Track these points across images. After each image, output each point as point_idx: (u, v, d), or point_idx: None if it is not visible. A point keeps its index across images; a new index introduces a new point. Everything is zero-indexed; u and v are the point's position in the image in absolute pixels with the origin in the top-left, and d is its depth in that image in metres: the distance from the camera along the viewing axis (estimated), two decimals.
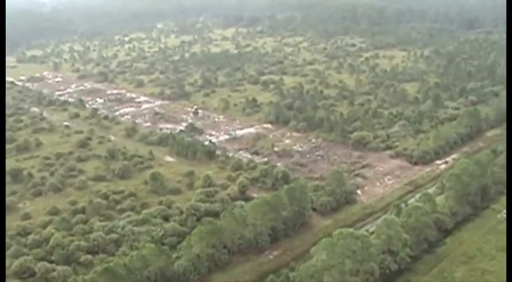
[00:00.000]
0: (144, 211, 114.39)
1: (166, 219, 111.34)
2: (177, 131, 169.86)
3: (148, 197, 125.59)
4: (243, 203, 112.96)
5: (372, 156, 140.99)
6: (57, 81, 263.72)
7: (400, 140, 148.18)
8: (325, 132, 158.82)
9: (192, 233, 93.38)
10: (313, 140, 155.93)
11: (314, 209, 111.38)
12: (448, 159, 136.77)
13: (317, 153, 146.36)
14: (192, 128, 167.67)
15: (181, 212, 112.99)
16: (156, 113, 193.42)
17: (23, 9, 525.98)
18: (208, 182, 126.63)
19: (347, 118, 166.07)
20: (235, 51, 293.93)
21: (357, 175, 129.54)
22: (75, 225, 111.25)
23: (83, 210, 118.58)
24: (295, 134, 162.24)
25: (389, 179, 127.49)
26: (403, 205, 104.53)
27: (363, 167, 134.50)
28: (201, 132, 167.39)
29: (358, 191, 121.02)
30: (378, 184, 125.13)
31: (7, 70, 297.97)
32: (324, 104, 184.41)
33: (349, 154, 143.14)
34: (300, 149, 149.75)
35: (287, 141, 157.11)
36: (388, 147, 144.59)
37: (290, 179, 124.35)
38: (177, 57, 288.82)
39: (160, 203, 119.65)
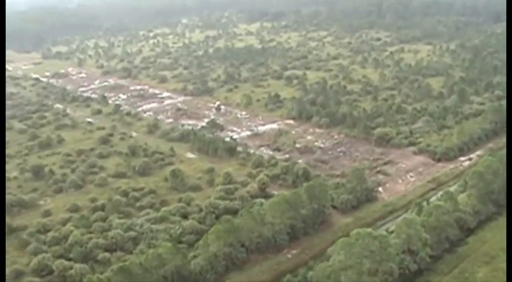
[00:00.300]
0: (163, 208, 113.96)
1: (185, 216, 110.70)
2: (199, 127, 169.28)
3: (168, 194, 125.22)
4: (262, 200, 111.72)
5: (394, 152, 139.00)
6: (81, 77, 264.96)
7: (423, 136, 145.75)
8: (347, 128, 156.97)
9: (209, 232, 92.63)
10: (336, 136, 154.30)
11: (334, 207, 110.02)
12: (472, 155, 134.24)
13: (339, 149, 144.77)
14: (213, 124, 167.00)
15: (201, 210, 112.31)
16: (179, 109, 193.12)
17: (50, 6, 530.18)
18: (228, 179, 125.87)
19: (370, 114, 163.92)
20: (259, 46, 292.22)
21: (378, 172, 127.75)
22: (94, 222, 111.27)
23: (102, 208, 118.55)
24: (317, 130, 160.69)
25: (411, 176, 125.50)
26: (424, 203, 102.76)
27: (385, 163, 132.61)
28: (222, 128, 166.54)
29: (380, 188, 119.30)
30: (400, 181, 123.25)
31: (32, 66, 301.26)
32: (347, 100, 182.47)
33: (371, 150, 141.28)
34: (322, 146, 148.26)
35: (309, 137, 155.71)
36: (411, 144, 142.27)
37: (311, 176, 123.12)
38: (201, 53, 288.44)
39: (179, 200, 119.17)
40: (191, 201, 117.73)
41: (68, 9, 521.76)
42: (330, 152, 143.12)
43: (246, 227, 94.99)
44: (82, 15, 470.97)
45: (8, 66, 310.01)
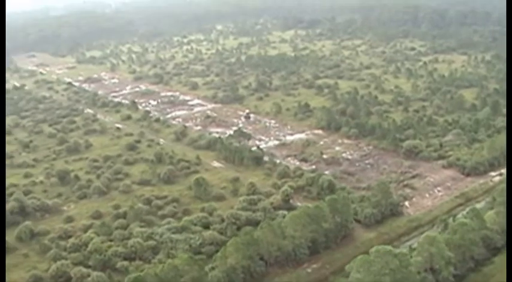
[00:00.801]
0: (185, 218, 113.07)
1: (206, 227, 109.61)
2: (227, 135, 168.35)
3: (191, 203, 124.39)
4: (285, 212, 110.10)
5: (423, 165, 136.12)
6: (113, 83, 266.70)
7: (453, 149, 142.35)
8: (376, 140, 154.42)
9: (228, 244, 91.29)
10: (364, 148, 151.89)
11: (358, 221, 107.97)
12: (503, 171, 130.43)
13: (367, 161, 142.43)
14: (240, 133, 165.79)
15: (222, 220, 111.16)
16: (208, 117, 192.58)
17: (88, 11, 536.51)
18: (252, 189, 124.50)
19: (400, 125, 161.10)
20: (292, 54, 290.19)
21: (405, 186, 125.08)
22: (115, 230, 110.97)
23: (124, 215, 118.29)
24: (346, 140, 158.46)
25: (439, 191, 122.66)
26: (450, 220, 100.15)
27: (413, 177, 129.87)
28: (249, 137, 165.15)
29: (406, 203, 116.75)
30: (427, 196, 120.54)
31: (66, 71, 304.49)
32: (377, 110, 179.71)
33: (399, 163, 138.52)
34: (349, 157, 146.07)
35: (337, 148, 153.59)
36: (441, 157, 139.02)
37: (336, 188, 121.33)
38: (233, 60, 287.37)
39: (202, 209, 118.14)
40: (213, 211, 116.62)
41: (104, 14, 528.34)
42: (357, 164, 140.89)
43: (265, 240, 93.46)
44: (118, 20, 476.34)
45: (42, 70, 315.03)
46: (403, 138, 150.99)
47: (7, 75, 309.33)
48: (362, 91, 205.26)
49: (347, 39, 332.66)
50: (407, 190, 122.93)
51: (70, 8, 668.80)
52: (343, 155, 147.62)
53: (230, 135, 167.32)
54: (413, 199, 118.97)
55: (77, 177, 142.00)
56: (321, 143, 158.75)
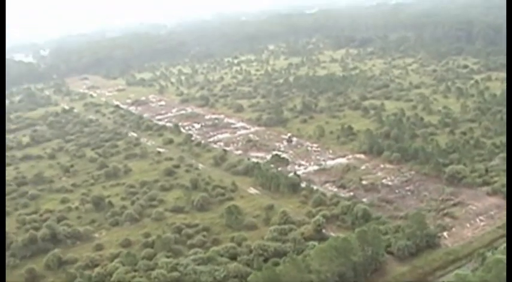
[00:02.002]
0: (212, 248, 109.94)
1: (234, 258, 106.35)
2: (266, 160, 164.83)
3: (222, 232, 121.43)
4: (315, 243, 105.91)
5: (466, 192, 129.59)
6: (160, 105, 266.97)
7: (499, 175, 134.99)
8: (419, 164, 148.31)
9: (248, 279, 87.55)
10: (406, 173, 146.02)
11: (391, 253, 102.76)
12: None
13: (407, 188, 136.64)
14: (277, 158, 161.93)
15: (250, 251, 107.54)
16: (249, 140, 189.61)
17: (142, 32, 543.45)
18: (284, 218, 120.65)
19: (444, 149, 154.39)
20: (341, 74, 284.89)
21: (445, 214, 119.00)
22: (141, 260, 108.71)
23: (152, 244, 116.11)
24: (388, 165, 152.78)
25: (481, 220, 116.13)
26: (489, 253, 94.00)
27: (454, 205, 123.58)
28: (287, 162, 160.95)
29: (445, 233, 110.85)
30: (468, 225, 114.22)
31: (116, 93, 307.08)
32: (423, 133, 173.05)
33: (441, 190, 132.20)
34: (389, 183, 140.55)
35: (378, 173, 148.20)
36: (486, 183, 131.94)
37: (371, 217, 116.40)
38: (281, 81, 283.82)
39: (232, 239, 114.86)
40: (243, 241, 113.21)
41: (158, 35, 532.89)
42: (397, 191, 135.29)
43: (288, 275, 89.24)
44: (170, 41, 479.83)
45: (93, 93, 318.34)
46: (446, 162, 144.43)
47: (58, 97, 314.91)
48: (409, 112, 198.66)
49: (398, 57, 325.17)
50: (447, 219, 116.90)
51: (126, 29, 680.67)
52: (383, 181, 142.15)
53: (267, 160, 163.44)
54: (453, 229, 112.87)
55: (110, 204, 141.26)
56: (362, 168, 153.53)
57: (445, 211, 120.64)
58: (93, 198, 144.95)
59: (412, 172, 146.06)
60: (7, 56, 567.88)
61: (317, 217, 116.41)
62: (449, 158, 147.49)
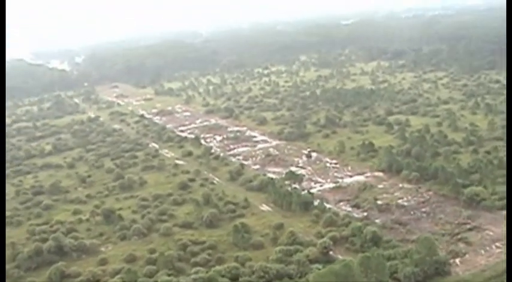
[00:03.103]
0: (214, 268, 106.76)
1: (235, 278, 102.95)
2: (281, 176, 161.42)
3: (228, 250, 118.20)
4: (320, 266, 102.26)
5: (484, 216, 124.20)
6: (185, 116, 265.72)
7: None
8: (438, 185, 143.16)
9: None
10: (424, 193, 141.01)
11: (397, 280, 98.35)
12: None
13: (423, 209, 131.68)
14: (291, 175, 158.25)
15: (253, 272, 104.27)
16: (268, 155, 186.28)
17: (176, 41, 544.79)
18: (292, 238, 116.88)
19: (465, 169, 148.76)
20: (370, 87, 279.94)
21: (460, 239, 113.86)
22: (141, 277, 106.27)
23: (156, 261, 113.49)
24: (406, 185, 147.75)
25: (497, 247, 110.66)
26: None
27: (470, 229, 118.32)
28: (301, 180, 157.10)
29: (457, 260, 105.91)
30: (483, 252, 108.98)
31: (143, 102, 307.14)
32: (446, 151, 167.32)
33: (458, 212, 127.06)
34: (405, 203, 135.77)
35: (396, 193, 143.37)
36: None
37: (381, 240, 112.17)
38: (308, 93, 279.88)
39: (236, 259, 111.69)
40: (247, 261, 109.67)
41: (191, 44, 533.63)
42: (412, 212, 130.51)
43: None
44: (203, 50, 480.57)
45: (120, 101, 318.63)
46: (467, 183, 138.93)
47: (86, 105, 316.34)
48: (434, 129, 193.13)
49: (430, 71, 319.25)
50: (461, 245, 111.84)
51: (163, 37, 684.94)
52: (400, 201, 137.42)
53: (282, 177, 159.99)
54: (466, 256, 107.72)
55: (120, 217, 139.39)
56: (380, 186, 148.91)
57: (460, 236, 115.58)
58: (103, 210, 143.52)
59: (430, 192, 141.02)
60: (42, 62, 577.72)
61: (323, 239, 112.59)
62: (470, 179, 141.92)
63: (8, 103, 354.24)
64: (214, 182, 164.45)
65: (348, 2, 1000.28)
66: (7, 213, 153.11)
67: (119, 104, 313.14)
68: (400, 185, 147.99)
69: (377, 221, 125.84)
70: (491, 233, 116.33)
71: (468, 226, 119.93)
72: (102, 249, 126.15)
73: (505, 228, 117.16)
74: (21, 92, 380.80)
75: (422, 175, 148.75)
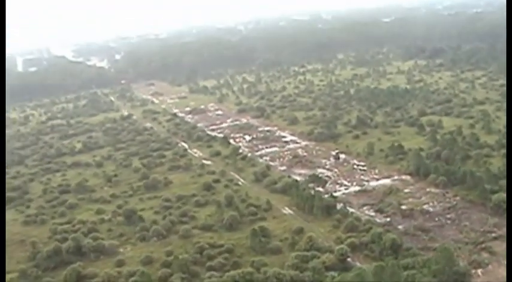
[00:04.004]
0: (228, 273, 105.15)
1: None
2: (306, 178, 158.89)
3: (245, 254, 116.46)
4: (335, 274, 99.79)
5: None
6: (217, 115, 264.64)
7: None
8: (466, 190, 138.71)
9: None
10: (451, 199, 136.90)
11: None
12: None
13: (448, 215, 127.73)
14: (315, 178, 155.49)
15: (267, 279, 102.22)
16: (295, 156, 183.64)
17: (214, 38, 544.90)
18: (310, 243, 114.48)
19: (495, 174, 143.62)
20: (404, 87, 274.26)
21: (483, 249, 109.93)
22: (155, 280, 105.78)
23: (170, 264, 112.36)
24: (433, 189, 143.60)
25: None
26: None
27: (495, 238, 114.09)
28: (324, 183, 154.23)
29: (479, 271, 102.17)
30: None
31: (177, 100, 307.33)
32: (477, 154, 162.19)
33: (485, 220, 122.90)
34: (430, 209, 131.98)
35: (421, 198, 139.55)
36: None
37: (401, 248, 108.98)
38: (342, 93, 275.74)
39: (252, 264, 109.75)
40: (262, 266, 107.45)
41: (229, 41, 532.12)
42: (436, 219, 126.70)
43: None
44: (240, 47, 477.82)
45: (155, 99, 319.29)
46: (495, 189, 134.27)
47: (120, 103, 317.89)
48: (466, 131, 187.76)
49: (468, 70, 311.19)
50: (485, 254, 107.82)
51: (202, 33, 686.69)
52: (425, 206, 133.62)
53: (306, 179, 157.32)
54: (489, 266, 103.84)
55: (141, 218, 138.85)
56: (406, 190, 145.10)
57: (484, 245, 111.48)
58: (125, 211, 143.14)
59: (458, 198, 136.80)
60: (83, 59, 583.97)
61: (341, 246, 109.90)
62: (500, 184, 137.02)
63: (45, 100, 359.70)
64: (239, 183, 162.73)
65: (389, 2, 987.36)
66: (33, 212, 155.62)
67: (153, 102, 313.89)
68: (427, 190, 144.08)
69: (400, 227, 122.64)
70: None
71: (493, 234, 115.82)
72: (121, 250, 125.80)
73: None
74: (59, 90, 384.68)
75: (450, 179, 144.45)
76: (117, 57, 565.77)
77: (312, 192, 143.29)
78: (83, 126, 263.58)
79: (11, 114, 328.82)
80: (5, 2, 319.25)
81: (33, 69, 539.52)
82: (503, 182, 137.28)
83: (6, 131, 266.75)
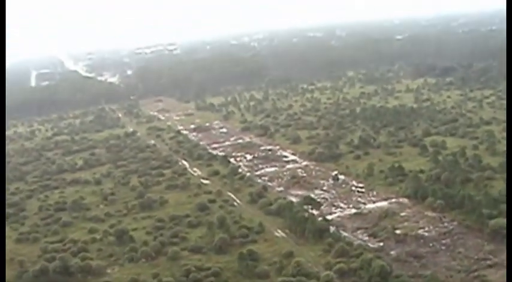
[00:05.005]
0: None
1: None
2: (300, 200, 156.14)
3: (232, 278, 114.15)
4: None
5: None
6: (221, 133, 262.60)
7: None
8: (464, 214, 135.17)
9: None
10: (447, 223, 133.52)
11: None
12: None
13: (443, 241, 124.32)
14: (309, 200, 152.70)
15: None
16: (294, 176, 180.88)
17: (226, 54, 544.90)
18: (297, 269, 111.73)
19: (495, 198, 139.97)
20: (411, 106, 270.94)
21: (476, 277, 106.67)
22: None
23: None
24: (430, 213, 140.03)
25: None
26: None
27: (490, 266, 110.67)
28: (319, 205, 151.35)
29: None
30: None
31: (183, 117, 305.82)
32: (478, 177, 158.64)
33: (480, 246, 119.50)
34: (426, 234, 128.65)
35: (417, 222, 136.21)
36: None
37: (390, 275, 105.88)
38: (348, 111, 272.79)
39: None
40: None
41: (241, 58, 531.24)
42: (431, 244, 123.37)
43: None
44: (252, 64, 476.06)
45: (161, 116, 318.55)
46: (494, 214, 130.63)
47: (127, 119, 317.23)
48: (470, 152, 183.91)
49: (477, 89, 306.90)
50: None
51: (214, 50, 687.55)
52: (420, 231, 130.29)
53: (300, 201, 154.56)
54: None
55: (131, 238, 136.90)
56: (402, 214, 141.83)
57: (477, 273, 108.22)
58: (116, 231, 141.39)
59: (455, 223, 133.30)
60: (95, 74, 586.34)
61: (327, 272, 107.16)
62: (499, 209, 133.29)
63: (54, 115, 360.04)
64: (235, 203, 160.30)
65: (405, 17, 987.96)
66: (26, 229, 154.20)
67: (159, 119, 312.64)
68: (424, 213, 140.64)
69: (392, 252, 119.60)
70: None
71: (488, 262, 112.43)
72: (109, 271, 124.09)
73: None
74: (68, 105, 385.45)
75: (448, 203, 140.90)
76: (129, 72, 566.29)
77: (307, 214, 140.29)
78: (87, 142, 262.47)
79: (18, 128, 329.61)
80: (5, 2, 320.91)
81: (45, 83, 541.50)
82: (503, 207, 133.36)
83: (11, 146, 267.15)
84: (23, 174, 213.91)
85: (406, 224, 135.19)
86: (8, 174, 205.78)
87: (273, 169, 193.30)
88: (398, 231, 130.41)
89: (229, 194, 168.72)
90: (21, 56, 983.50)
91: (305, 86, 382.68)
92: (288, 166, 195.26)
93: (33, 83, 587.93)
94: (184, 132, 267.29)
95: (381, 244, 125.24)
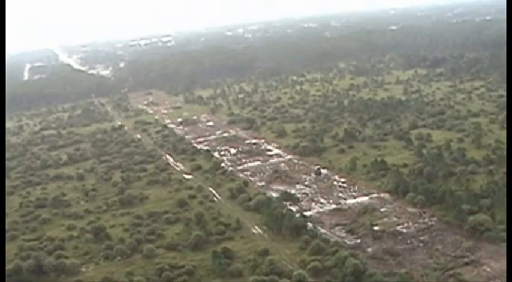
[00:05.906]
0: None
1: None
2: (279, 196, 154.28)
3: (205, 277, 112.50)
4: None
5: (486, 248, 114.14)
6: (208, 126, 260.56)
7: None
8: (444, 210, 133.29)
9: None
10: (427, 219, 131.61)
11: None
12: None
13: (422, 238, 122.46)
14: (287, 196, 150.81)
15: None
16: (276, 171, 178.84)
17: (218, 46, 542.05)
18: (271, 267, 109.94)
19: (477, 193, 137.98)
20: (400, 98, 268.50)
21: (451, 276, 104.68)
22: None
23: None
24: (410, 209, 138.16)
25: None
26: None
27: (467, 263, 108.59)
28: (297, 201, 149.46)
29: None
30: None
31: (171, 111, 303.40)
32: (461, 171, 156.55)
33: (459, 243, 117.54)
34: (404, 230, 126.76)
35: (397, 218, 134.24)
36: None
37: (363, 274, 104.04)
38: (335, 104, 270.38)
39: None
40: None
41: (232, 50, 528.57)
42: (409, 241, 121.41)
43: None
44: (243, 56, 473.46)
45: (150, 109, 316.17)
46: (475, 209, 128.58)
47: (115, 113, 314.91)
48: (455, 145, 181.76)
49: (468, 80, 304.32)
50: None
51: (208, 42, 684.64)
52: (398, 227, 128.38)
53: (278, 197, 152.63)
54: None
55: (107, 236, 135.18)
56: (382, 209, 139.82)
57: (453, 271, 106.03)
58: (92, 228, 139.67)
59: (435, 218, 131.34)
60: (88, 67, 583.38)
61: (299, 271, 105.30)
62: (480, 204, 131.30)
63: (43, 109, 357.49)
64: (215, 199, 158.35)
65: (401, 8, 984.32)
66: (6, 227, 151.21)
67: (147, 112, 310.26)
68: (404, 209, 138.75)
69: (368, 249, 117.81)
70: (488, 269, 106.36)
71: (465, 260, 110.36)
72: (83, 269, 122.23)
73: (503, 265, 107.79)
74: (58, 98, 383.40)
75: (428, 198, 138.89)
76: (121, 65, 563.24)
77: (285, 210, 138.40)
78: (73, 137, 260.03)
79: (7, 123, 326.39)
80: (5, 2, 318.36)
81: (37, 77, 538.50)
82: (485, 202, 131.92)
83: None
84: (7, 170, 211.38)
85: (385, 220, 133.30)
86: None
87: (256, 163, 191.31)
88: (376, 228, 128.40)
89: (210, 189, 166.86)
90: (17, 49, 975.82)
91: (295, 77, 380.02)
92: (272, 160, 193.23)
93: (26, 77, 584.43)
94: (171, 125, 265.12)
95: (358, 241, 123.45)
